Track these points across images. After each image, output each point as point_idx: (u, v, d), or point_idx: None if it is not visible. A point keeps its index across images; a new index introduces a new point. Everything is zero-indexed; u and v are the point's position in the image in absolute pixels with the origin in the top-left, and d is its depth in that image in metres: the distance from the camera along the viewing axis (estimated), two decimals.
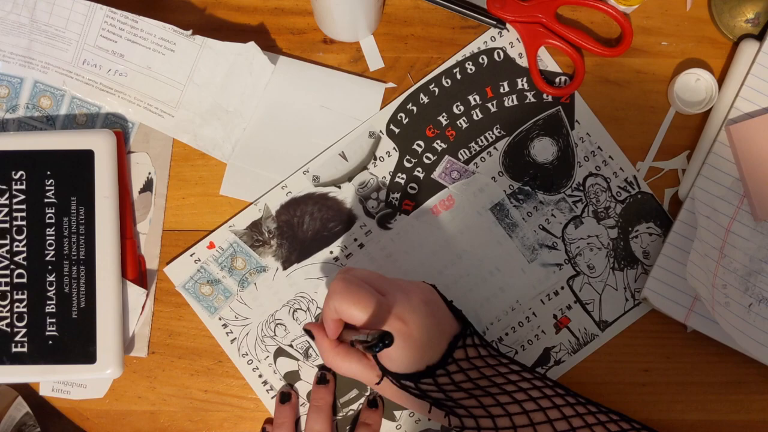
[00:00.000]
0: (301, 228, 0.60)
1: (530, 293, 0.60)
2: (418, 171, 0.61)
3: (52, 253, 0.57)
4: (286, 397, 0.60)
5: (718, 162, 0.59)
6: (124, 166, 0.60)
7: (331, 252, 0.60)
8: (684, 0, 0.62)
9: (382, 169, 0.61)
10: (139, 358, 0.61)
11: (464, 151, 0.61)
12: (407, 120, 0.61)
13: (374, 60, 0.62)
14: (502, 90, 0.61)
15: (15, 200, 0.58)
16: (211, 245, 0.60)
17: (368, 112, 0.61)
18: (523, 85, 0.61)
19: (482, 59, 0.61)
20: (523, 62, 0.61)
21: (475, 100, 0.61)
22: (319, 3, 0.57)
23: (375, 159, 0.61)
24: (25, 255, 0.57)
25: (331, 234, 0.61)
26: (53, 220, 0.58)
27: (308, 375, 0.60)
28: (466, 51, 0.61)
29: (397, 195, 0.61)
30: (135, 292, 0.59)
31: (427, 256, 0.60)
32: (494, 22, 0.61)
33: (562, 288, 0.60)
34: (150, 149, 0.61)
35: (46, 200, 0.58)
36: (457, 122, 0.61)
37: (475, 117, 0.61)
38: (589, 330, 0.60)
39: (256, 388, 0.60)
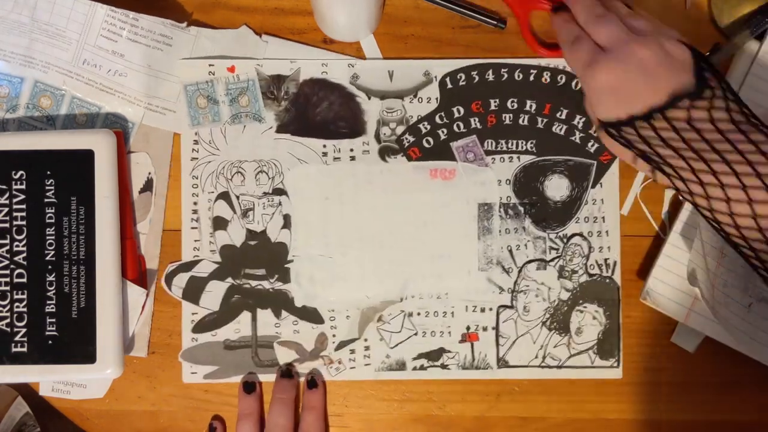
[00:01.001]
0: (314, 108, 0.60)
1: (462, 295, 0.61)
2: (443, 131, 0.61)
3: (52, 253, 0.57)
4: (250, 387, 0.59)
5: None
6: (124, 166, 0.60)
7: (324, 146, 0.61)
8: None
9: (415, 109, 0.61)
10: (139, 358, 0.61)
11: (491, 142, 0.61)
12: (464, 83, 0.61)
13: None
14: (558, 114, 0.61)
15: (15, 200, 0.58)
16: (232, 69, 0.60)
17: None
18: (578, 123, 0.61)
19: (561, 78, 0.61)
20: None
21: (531, 107, 0.61)
22: (319, 2, 0.57)
23: (415, 97, 0.61)
24: (25, 255, 0.57)
25: (335, 131, 0.61)
26: (53, 220, 0.58)
27: (235, 230, 0.61)
28: (555, 62, 0.61)
29: (411, 138, 0.61)
30: (135, 292, 0.59)
31: (399, 204, 0.61)
32: (494, 22, 0.61)
33: (491, 310, 0.61)
34: (150, 149, 0.61)
35: (46, 200, 0.58)
36: (503, 115, 0.61)
37: (520, 121, 0.61)
38: (486, 359, 0.61)
39: (185, 215, 0.61)
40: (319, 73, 0.61)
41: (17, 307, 0.57)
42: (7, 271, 0.57)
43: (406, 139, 0.61)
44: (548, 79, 0.61)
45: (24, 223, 0.58)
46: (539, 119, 0.61)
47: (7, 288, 0.57)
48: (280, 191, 0.61)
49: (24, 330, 0.57)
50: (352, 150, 0.61)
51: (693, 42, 0.47)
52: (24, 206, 0.58)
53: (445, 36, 0.62)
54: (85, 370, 0.57)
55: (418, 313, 0.61)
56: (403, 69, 0.61)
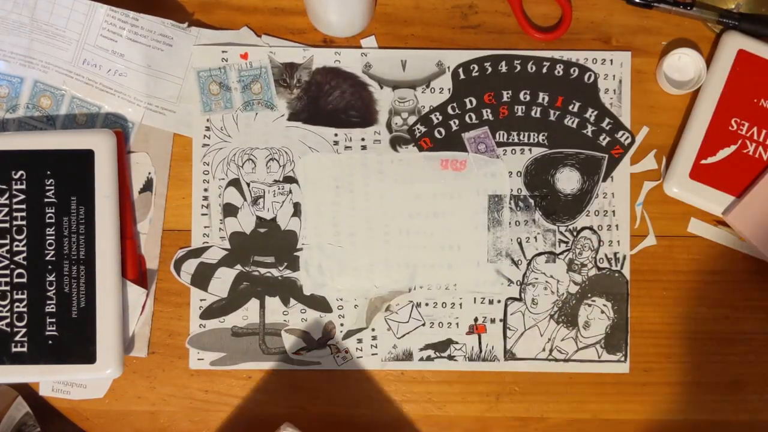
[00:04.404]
0: (326, 97, 0.61)
1: (470, 287, 0.61)
2: (454, 122, 0.61)
3: (52, 252, 0.57)
4: None
5: None
6: (124, 166, 0.60)
7: (336, 135, 0.61)
8: None
9: (427, 99, 0.61)
10: (139, 358, 0.61)
11: (503, 134, 0.61)
12: (477, 74, 0.61)
13: None
14: (571, 107, 0.61)
15: (15, 200, 0.58)
16: (245, 56, 0.60)
17: None
18: (590, 116, 0.61)
19: (573, 71, 0.61)
20: (607, 98, 0.61)
21: (543, 99, 0.61)
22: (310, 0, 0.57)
23: (427, 87, 0.61)
24: (25, 255, 0.57)
25: (346, 120, 0.61)
26: (53, 220, 0.58)
27: (245, 218, 0.61)
28: (568, 54, 0.61)
29: (422, 128, 0.61)
30: (135, 292, 0.59)
31: (409, 194, 0.61)
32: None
33: (499, 302, 0.61)
34: (150, 149, 0.61)
35: (46, 200, 0.58)
36: (516, 107, 0.61)
37: (533, 113, 0.61)
38: (494, 351, 0.60)
39: (195, 201, 0.61)
40: (332, 62, 0.61)
41: (17, 307, 0.57)
42: (7, 271, 0.57)
43: (418, 129, 0.61)
44: (561, 72, 0.61)
45: (24, 223, 0.58)
46: (552, 112, 0.61)
47: (7, 288, 0.57)
48: (290, 179, 0.61)
49: (24, 330, 0.57)
50: (363, 139, 0.61)
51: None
52: (24, 206, 0.58)
53: (446, 36, 0.62)
54: (85, 370, 0.57)
55: (426, 304, 0.61)
56: (416, 59, 0.61)
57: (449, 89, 0.61)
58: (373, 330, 0.61)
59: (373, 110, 0.61)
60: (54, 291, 0.57)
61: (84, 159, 0.58)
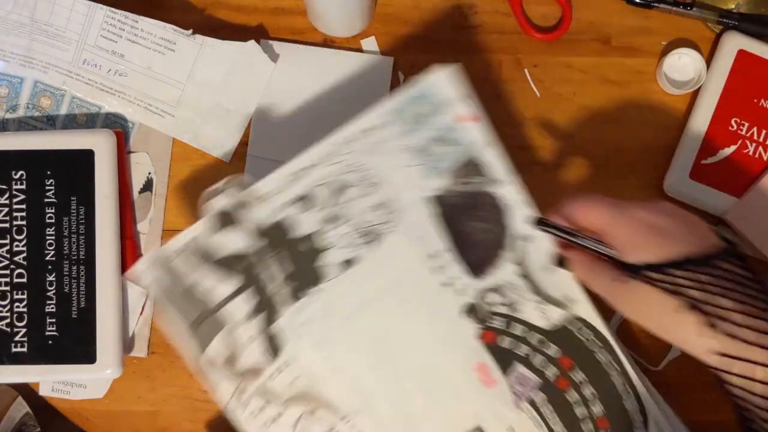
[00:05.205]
0: (473, 219, 0.53)
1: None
2: (525, 348, 0.53)
3: (52, 252, 0.57)
4: None
5: None
6: (124, 166, 0.60)
7: (442, 251, 0.53)
8: None
9: (529, 310, 0.53)
10: (139, 358, 0.61)
11: (543, 398, 0.53)
12: (582, 337, 0.54)
13: None
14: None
15: (15, 200, 0.58)
16: (466, 118, 0.53)
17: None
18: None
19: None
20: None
21: (593, 409, 0.53)
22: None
23: (541, 304, 0.53)
24: (25, 255, 0.57)
25: (464, 253, 0.54)
26: (53, 220, 0.58)
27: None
28: None
29: (499, 325, 0.53)
30: (135, 292, 0.59)
31: (430, 357, 0.53)
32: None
33: None
34: (150, 149, 0.61)
35: (46, 200, 0.58)
36: (574, 393, 0.53)
37: (577, 412, 0.53)
38: None
39: None
40: (508, 203, 0.53)
41: (17, 307, 0.57)
42: (7, 271, 0.57)
43: (498, 320, 0.53)
44: (630, 405, 0.53)
45: (24, 223, 0.58)
46: (590, 424, 0.53)
47: (7, 288, 0.57)
48: (375, 236, 0.53)
49: (24, 330, 0.57)
50: (451, 278, 0.53)
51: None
52: (24, 206, 0.58)
53: (446, 36, 0.62)
54: (85, 370, 0.57)
55: None
56: (563, 279, 0.53)
57: (555, 326, 0.53)
58: (282, 410, 0.52)
59: (488, 270, 0.53)
60: (54, 291, 0.57)
61: (84, 159, 0.58)
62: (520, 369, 0.53)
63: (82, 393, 0.60)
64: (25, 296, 0.57)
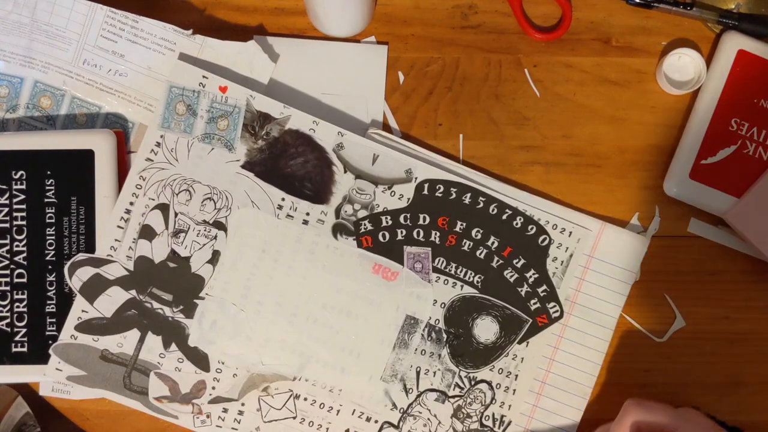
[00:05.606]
0: (288, 159, 0.58)
1: (354, 397, 0.58)
2: (401, 232, 0.59)
3: (52, 252, 0.57)
4: None
5: None
6: (124, 166, 0.60)
7: (283, 199, 0.58)
8: None
9: (384, 200, 0.59)
10: None
11: (442, 261, 0.59)
12: (440, 195, 0.59)
13: None
14: (515, 261, 0.59)
15: (15, 200, 0.58)
16: (224, 89, 0.58)
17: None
18: (530, 278, 0.59)
19: (531, 228, 0.59)
20: (552, 267, 0.59)
21: (492, 244, 0.59)
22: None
23: (389, 188, 0.59)
24: (25, 255, 0.57)
25: (299, 189, 0.59)
26: (53, 220, 0.58)
27: (160, 246, 0.60)
28: (531, 209, 0.59)
29: (369, 226, 0.59)
30: None
31: (331, 285, 0.58)
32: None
33: (376, 422, 0.58)
34: None
35: (46, 200, 0.58)
36: (464, 240, 0.59)
37: (477, 253, 0.59)
38: None
39: (116, 212, 0.57)
40: (307, 129, 0.59)
41: (17, 307, 0.57)
42: (7, 271, 0.57)
43: (364, 225, 0.59)
44: (519, 225, 0.59)
45: (24, 223, 0.58)
46: (496, 258, 0.59)
47: (7, 288, 0.57)
48: (220, 225, 0.58)
49: (24, 330, 0.57)
50: (308, 214, 0.59)
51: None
52: (24, 206, 0.58)
53: (446, 36, 0.62)
54: None
55: (305, 399, 0.58)
56: (388, 158, 0.59)
57: (408, 199, 0.59)
58: (242, 405, 0.58)
59: (329, 190, 0.59)
60: (54, 291, 0.57)
61: (84, 159, 0.58)
62: (408, 249, 0.59)
63: (82, 393, 0.60)
64: (25, 296, 0.57)
